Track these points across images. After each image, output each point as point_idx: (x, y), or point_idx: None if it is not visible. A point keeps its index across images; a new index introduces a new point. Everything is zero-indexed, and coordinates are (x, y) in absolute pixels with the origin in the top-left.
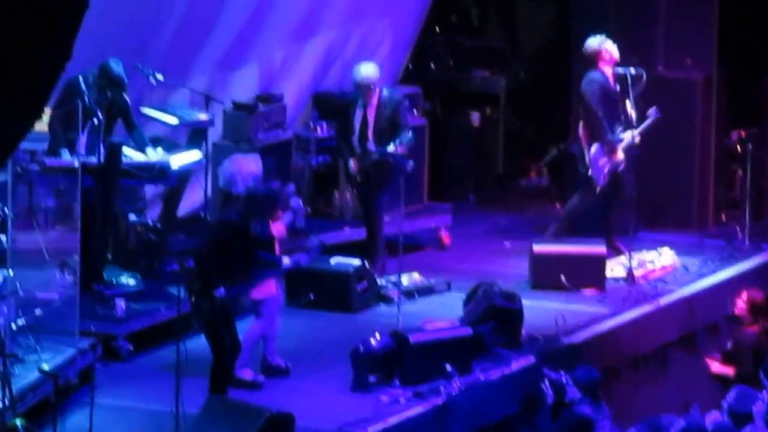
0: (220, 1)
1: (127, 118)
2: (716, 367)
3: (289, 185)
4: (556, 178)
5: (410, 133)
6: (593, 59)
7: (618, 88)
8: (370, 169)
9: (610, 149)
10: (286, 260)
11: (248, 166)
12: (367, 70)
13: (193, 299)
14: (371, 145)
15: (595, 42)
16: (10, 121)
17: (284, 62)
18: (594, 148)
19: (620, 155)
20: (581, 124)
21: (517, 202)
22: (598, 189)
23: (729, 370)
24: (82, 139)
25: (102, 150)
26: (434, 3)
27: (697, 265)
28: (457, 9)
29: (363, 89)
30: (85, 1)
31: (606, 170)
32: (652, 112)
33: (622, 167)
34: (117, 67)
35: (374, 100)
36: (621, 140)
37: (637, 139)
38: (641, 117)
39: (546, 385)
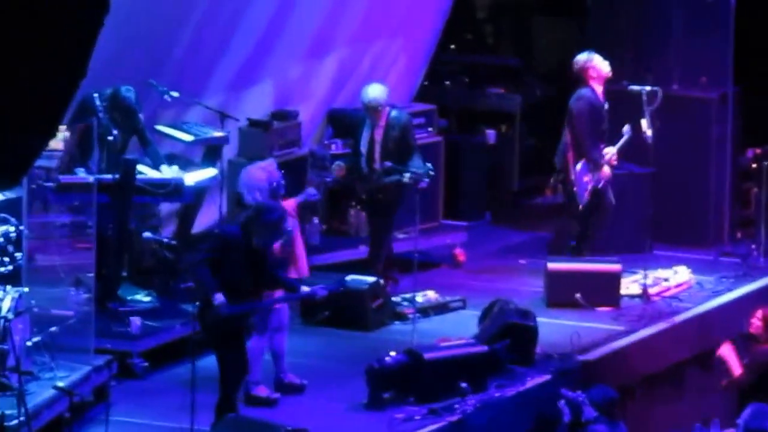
0: (235, 18)
1: (141, 136)
2: (725, 350)
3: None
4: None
5: (428, 165)
6: (582, 76)
7: (606, 105)
8: (374, 191)
9: (595, 166)
10: (305, 288)
11: (256, 175)
12: (374, 91)
13: (197, 310)
14: (378, 166)
15: (582, 58)
16: (26, 138)
17: (299, 79)
18: (579, 165)
19: (606, 171)
20: (568, 140)
21: (532, 220)
22: (581, 206)
23: (737, 363)
24: (96, 157)
25: (117, 167)
26: (449, 21)
27: (712, 282)
28: (472, 27)
29: (370, 111)
30: (100, 19)
31: (590, 187)
32: (626, 129)
33: (602, 184)
34: (128, 94)
35: (382, 121)
36: (603, 156)
37: (614, 158)
38: (656, 135)
39: (563, 404)
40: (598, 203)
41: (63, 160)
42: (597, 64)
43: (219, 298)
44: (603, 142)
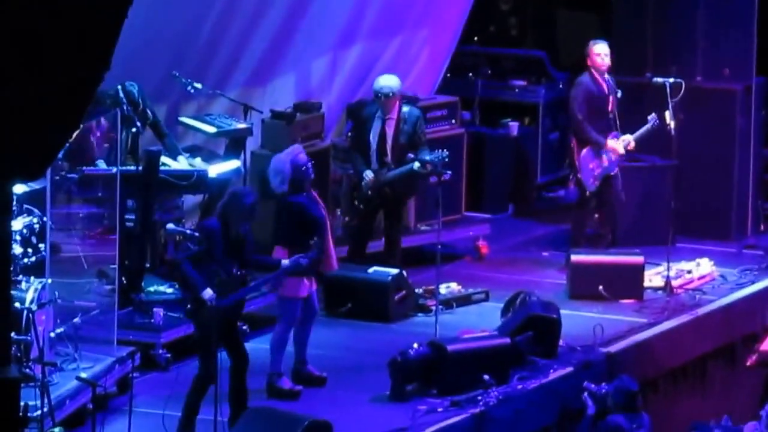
0: (259, 9)
1: (155, 128)
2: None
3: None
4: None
5: (444, 152)
6: (585, 62)
7: (607, 91)
8: (383, 185)
9: (598, 150)
10: (284, 261)
11: (280, 159)
12: (389, 81)
13: (190, 311)
14: (388, 159)
15: (589, 45)
16: (50, 130)
17: (323, 71)
18: (584, 151)
19: (614, 145)
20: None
21: (555, 213)
22: (588, 192)
23: None
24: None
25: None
26: (472, 13)
27: (736, 275)
28: (495, 19)
29: (384, 101)
30: (123, 11)
31: (597, 173)
32: (651, 118)
33: (614, 171)
34: (131, 88)
35: (393, 114)
36: (605, 140)
37: (632, 145)
38: (679, 127)
39: (586, 396)
40: (605, 196)
41: (89, 151)
42: (598, 50)
43: (208, 293)
44: (609, 128)
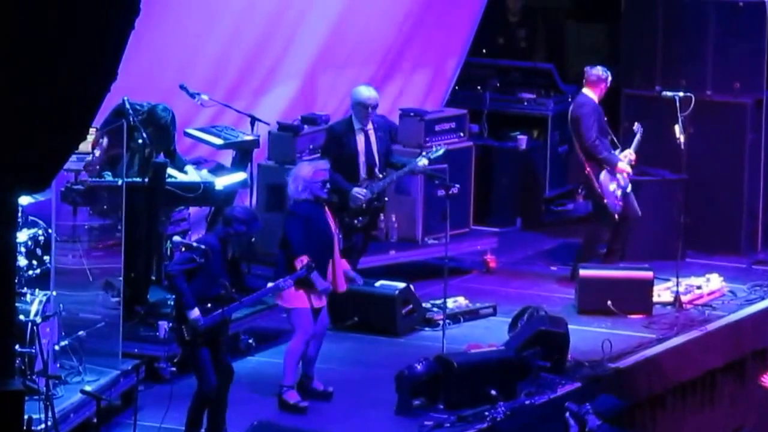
0: (268, 24)
1: (171, 155)
2: None
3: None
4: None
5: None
6: (589, 83)
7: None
8: (375, 198)
9: (612, 168)
10: (269, 284)
11: (304, 169)
12: (371, 91)
13: (173, 328)
14: (378, 171)
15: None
16: (55, 141)
17: (330, 85)
18: (603, 175)
19: (623, 167)
20: (580, 152)
21: (563, 227)
22: (617, 216)
23: None
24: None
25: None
26: (481, 25)
27: (745, 291)
28: (504, 31)
29: (368, 110)
30: (130, 22)
31: (618, 193)
32: (636, 127)
33: (629, 188)
34: (165, 114)
35: (370, 125)
36: (620, 160)
37: (634, 157)
38: (689, 141)
39: (568, 416)
40: (624, 212)
41: (94, 163)
42: (606, 80)
43: (194, 313)
44: (613, 145)
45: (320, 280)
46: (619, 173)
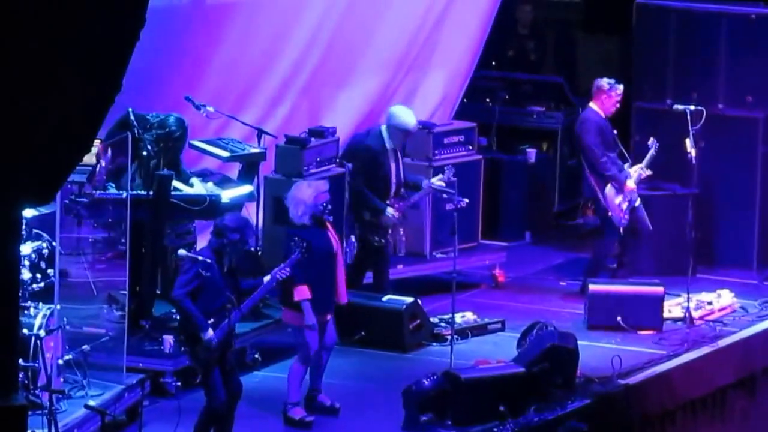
0: (275, 36)
1: (177, 167)
2: None
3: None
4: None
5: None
6: (593, 96)
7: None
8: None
9: (620, 185)
10: (266, 278)
11: (304, 190)
12: (413, 118)
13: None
14: (405, 192)
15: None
16: (60, 153)
17: (339, 98)
18: (608, 188)
19: (631, 185)
20: (586, 169)
21: (573, 241)
22: (622, 230)
23: None
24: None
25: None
26: (490, 37)
27: (757, 307)
28: (513, 43)
29: (404, 138)
30: (135, 33)
31: (625, 207)
32: (651, 143)
33: (636, 202)
34: (176, 128)
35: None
36: (629, 175)
37: (646, 173)
38: (700, 155)
39: None
40: (634, 226)
41: (98, 175)
42: (614, 94)
43: (209, 334)
44: (622, 159)
45: (309, 314)
46: (626, 189)
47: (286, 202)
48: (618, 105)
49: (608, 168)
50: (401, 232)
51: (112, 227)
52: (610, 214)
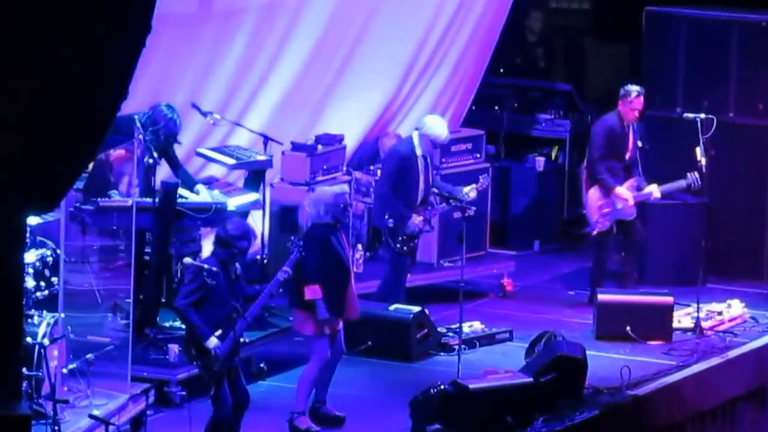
0: (280, 42)
1: (171, 158)
2: None
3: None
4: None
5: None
6: (612, 96)
7: (630, 137)
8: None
9: (607, 191)
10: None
11: (326, 192)
12: (446, 130)
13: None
14: (433, 198)
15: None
16: (65, 160)
17: (346, 105)
18: (592, 189)
19: (624, 199)
20: (584, 164)
21: (581, 250)
22: (594, 232)
23: None
24: (134, 180)
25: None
26: (499, 44)
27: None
28: (522, 50)
29: (434, 148)
30: (141, 40)
31: (605, 212)
32: (691, 177)
33: (630, 217)
34: (169, 112)
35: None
36: (617, 186)
37: (655, 195)
38: (710, 164)
39: None
40: (626, 238)
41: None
42: (634, 103)
43: (212, 342)
44: (625, 172)
45: (322, 308)
46: (616, 198)
47: (306, 208)
48: (636, 113)
49: (600, 171)
50: (359, 248)
51: (116, 235)
52: (584, 211)
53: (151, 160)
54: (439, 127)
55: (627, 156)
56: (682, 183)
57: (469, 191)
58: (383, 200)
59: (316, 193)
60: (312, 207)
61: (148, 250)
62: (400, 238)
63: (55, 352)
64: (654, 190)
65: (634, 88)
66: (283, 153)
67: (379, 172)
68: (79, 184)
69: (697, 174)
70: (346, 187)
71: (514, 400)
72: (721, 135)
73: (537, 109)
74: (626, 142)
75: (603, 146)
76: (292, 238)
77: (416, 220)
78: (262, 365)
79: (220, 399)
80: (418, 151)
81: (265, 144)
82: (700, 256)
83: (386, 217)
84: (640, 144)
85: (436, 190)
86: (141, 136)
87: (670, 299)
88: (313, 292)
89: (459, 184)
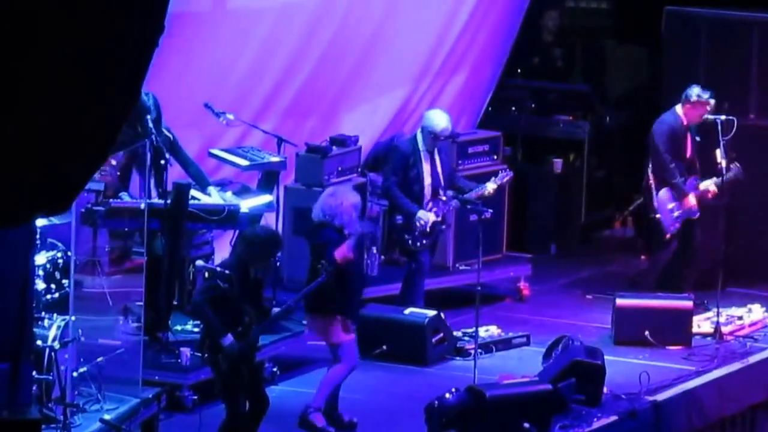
0: (295, 43)
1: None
2: None
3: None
4: (642, 229)
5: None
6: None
7: (689, 136)
8: (439, 223)
9: (679, 194)
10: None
11: (354, 197)
12: (446, 122)
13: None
14: (446, 195)
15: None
16: (76, 163)
17: (362, 106)
18: (663, 192)
19: (692, 201)
20: (650, 167)
21: (600, 254)
22: (668, 235)
23: None
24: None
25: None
26: (516, 44)
27: None
28: (539, 51)
29: (435, 141)
30: (155, 41)
31: (676, 215)
32: (734, 169)
33: (696, 215)
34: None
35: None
36: (694, 189)
37: (711, 192)
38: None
39: None
40: (687, 240)
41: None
42: (700, 102)
43: (228, 340)
44: (686, 171)
45: (350, 246)
46: (685, 200)
47: (331, 211)
48: (701, 118)
49: (675, 176)
50: (374, 251)
51: (128, 237)
52: (658, 216)
53: (162, 161)
54: (437, 118)
55: (688, 156)
56: (732, 172)
57: (489, 186)
58: (388, 197)
59: (343, 197)
60: (344, 215)
61: (141, 250)
62: (411, 235)
63: (66, 356)
64: (710, 186)
65: (706, 94)
66: (297, 154)
67: None
68: (91, 185)
69: (738, 164)
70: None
71: (531, 406)
72: (741, 137)
73: (555, 111)
74: (686, 143)
75: (670, 148)
76: (323, 262)
77: (424, 214)
78: (274, 369)
79: (233, 402)
80: (422, 147)
81: (279, 145)
82: (720, 260)
83: (396, 215)
84: (697, 139)
85: (451, 192)
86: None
87: (689, 303)
88: (341, 252)
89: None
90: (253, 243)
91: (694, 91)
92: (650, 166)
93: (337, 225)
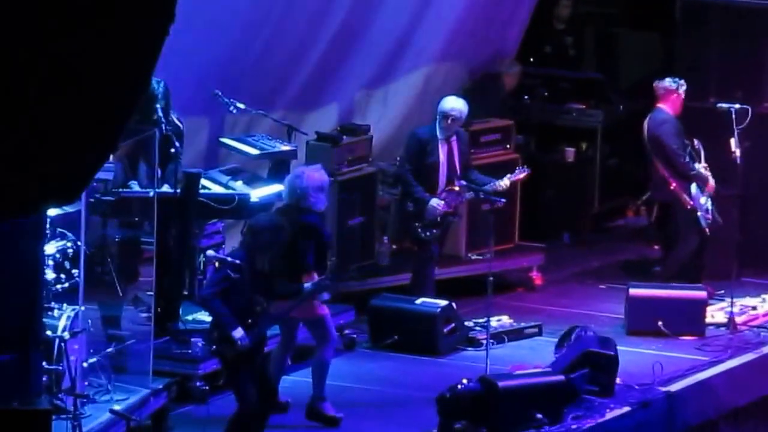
0: (307, 30)
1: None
2: None
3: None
4: (656, 218)
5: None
6: (660, 97)
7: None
8: (457, 208)
9: (703, 181)
10: (306, 285)
11: (320, 176)
12: (458, 103)
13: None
14: (459, 182)
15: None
16: (85, 153)
17: (373, 94)
18: (693, 188)
19: (712, 182)
20: (661, 168)
21: (612, 243)
22: (707, 230)
23: None
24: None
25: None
26: (528, 32)
27: None
28: (552, 39)
29: (451, 123)
30: (165, 30)
31: (709, 207)
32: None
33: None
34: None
35: (454, 135)
36: (709, 175)
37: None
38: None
39: None
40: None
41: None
42: (679, 92)
43: (239, 332)
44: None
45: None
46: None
47: (303, 191)
48: (683, 105)
49: (691, 167)
50: (385, 240)
51: (138, 226)
52: (699, 214)
53: (173, 150)
54: (447, 101)
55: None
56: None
57: (504, 182)
58: (401, 182)
59: (311, 179)
60: (313, 194)
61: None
62: (421, 223)
63: (76, 346)
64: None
65: (677, 80)
66: (307, 143)
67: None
68: (100, 175)
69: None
70: (320, 166)
71: (543, 397)
72: (755, 125)
73: (567, 99)
74: (684, 134)
75: (681, 144)
76: (324, 275)
77: (436, 203)
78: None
79: (242, 393)
80: (440, 134)
81: (290, 134)
82: (734, 249)
83: (407, 202)
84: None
85: (465, 183)
86: (163, 125)
87: (703, 294)
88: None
89: (488, 175)
90: (259, 233)
91: (669, 81)
92: (663, 171)
93: (304, 206)
